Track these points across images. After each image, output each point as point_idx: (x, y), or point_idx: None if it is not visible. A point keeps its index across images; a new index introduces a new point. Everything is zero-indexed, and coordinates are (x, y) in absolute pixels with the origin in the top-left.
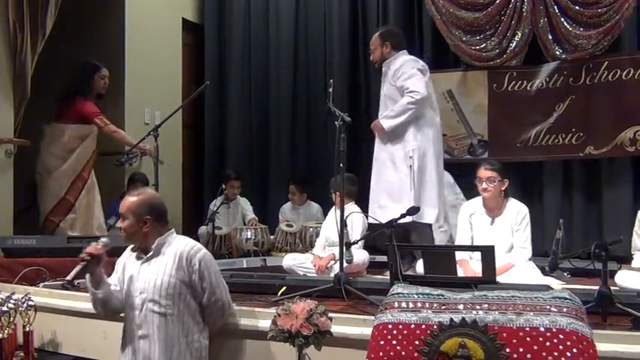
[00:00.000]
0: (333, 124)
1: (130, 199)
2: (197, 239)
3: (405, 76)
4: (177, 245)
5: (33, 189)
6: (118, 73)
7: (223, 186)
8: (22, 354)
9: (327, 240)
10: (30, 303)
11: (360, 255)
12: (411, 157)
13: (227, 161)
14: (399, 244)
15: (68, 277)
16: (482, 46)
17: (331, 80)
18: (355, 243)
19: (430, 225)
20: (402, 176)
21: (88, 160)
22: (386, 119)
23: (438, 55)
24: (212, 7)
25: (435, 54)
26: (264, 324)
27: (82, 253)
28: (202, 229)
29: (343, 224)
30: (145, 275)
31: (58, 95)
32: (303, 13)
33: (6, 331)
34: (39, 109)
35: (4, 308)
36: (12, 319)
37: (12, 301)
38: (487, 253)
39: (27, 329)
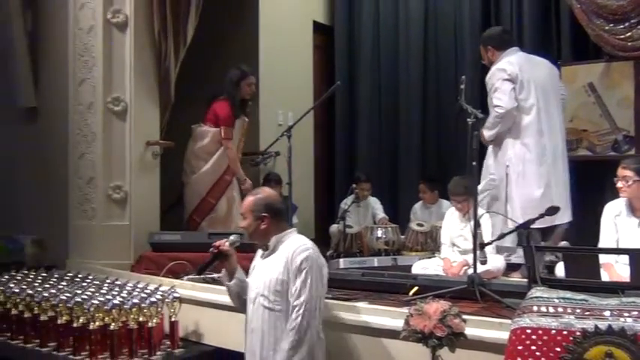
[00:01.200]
0: (465, 121)
1: (249, 199)
2: (328, 237)
3: (491, 89)
4: (290, 243)
5: (177, 188)
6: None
7: (354, 185)
8: (168, 342)
9: (452, 241)
10: (175, 295)
11: (496, 261)
12: (507, 165)
13: (357, 160)
14: (538, 245)
15: (198, 269)
16: (627, 35)
17: (463, 77)
18: (490, 244)
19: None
20: (500, 184)
21: (229, 163)
22: (484, 129)
23: (577, 46)
24: (342, 9)
25: (574, 45)
26: (396, 323)
27: (212, 247)
28: (333, 228)
29: (477, 225)
30: (260, 271)
31: (202, 98)
32: (433, 10)
33: (154, 320)
34: (182, 113)
35: (153, 299)
36: (159, 309)
37: (159, 292)
38: (636, 257)
39: (172, 319)
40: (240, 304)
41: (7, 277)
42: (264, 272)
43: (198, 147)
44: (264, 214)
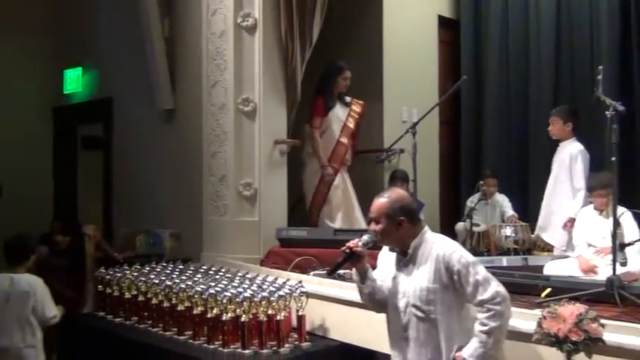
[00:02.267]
0: (603, 114)
1: (381, 201)
2: (454, 235)
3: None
4: (432, 248)
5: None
6: (377, 73)
7: (481, 182)
8: (295, 335)
9: (587, 242)
10: (302, 289)
11: (638, 262)
12: None
13: (484, 156)
14: None
15: (329, 269)
16: None
17: (600, 67)
18: (631, 244)
19: None
20: None
21: (332, 151)
22: None
23: None
24: (468, 3)
25: None
26: (527, 326)
27: (344, 247)
28: (460, 226)
29: (617, 224)
30: (405, 278)
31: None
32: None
33: (282, 314)
34: (308, 111)
35: (281, 293)
36: (287, 303)
37: (287, 286)
38: None
39: (299, 313)
40: (374, 305)
41: (148, 268)
42: (409, 281)
43: (306, 143)
44: (401, 218)
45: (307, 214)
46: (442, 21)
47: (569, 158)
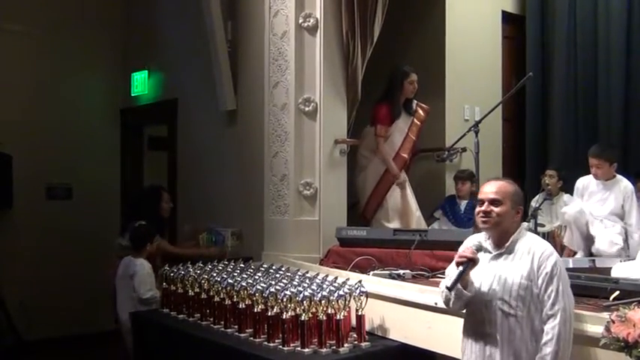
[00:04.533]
0: None
1: (505, 184)
2: None
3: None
4: (531, 244)
5: None
6: (439, 72)
7: (546, 180)
8: (355, 335)
9: None
10: (362, 289)
11: None
12: None
13: (549, 155)
14: None
15: (448, 285)
16: None
17: None
18: None
19: None
20: None
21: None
22: None
23: None
24: None
25: None
26: (595, 330)
27: (457, 258)
28: (524, 226)
29: None
30: (495, 270)
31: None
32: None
33: (342, 313)
34: (369, 111)
35: (341, 292)
36: (347, 302)
37: (347, 286)
38: None
39: (359, 313)
40: (462, 306)
41: (210, 266)
42: (500, 273)
43: (362, 146)
44: (520, 207)
45: (361, 215)
46: (506, 17)
47: (623, 197)
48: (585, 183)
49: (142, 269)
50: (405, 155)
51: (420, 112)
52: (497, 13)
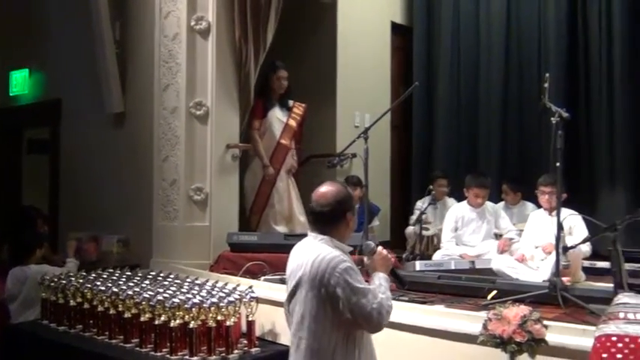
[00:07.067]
0: (549, 121)
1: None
2: (404, 239)
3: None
4: None
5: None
6: (330, 79)
7: (431, 187)
8: (245, 341)
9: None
10: (252, 295)
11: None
12: None
13: (434, 161)
14: (625, 249)
15: (406, 286)
16: None
17: (547, 75)
18: (574, 247)
19: None
20: None
21: (273, 153)
22: None
23: None
24: (421, 10)
25: None
26: (473, 328)
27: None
28: (409, 230)
29: (560, 227)
30: None
31: None
32: (516, 8)
33: (232, 319)
34: None
35: (231, 298)
36: (237, 308)
37: (237, 292)
38: None
39: (249, 319)
40: None
41: (94, 275)
42: None
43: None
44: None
45: (247, 217)
46: (395, 27)
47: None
48: (459, 214)
49: (36, 268)
50: (286, 142)
51: (297, 109)
52: (387, 23)
